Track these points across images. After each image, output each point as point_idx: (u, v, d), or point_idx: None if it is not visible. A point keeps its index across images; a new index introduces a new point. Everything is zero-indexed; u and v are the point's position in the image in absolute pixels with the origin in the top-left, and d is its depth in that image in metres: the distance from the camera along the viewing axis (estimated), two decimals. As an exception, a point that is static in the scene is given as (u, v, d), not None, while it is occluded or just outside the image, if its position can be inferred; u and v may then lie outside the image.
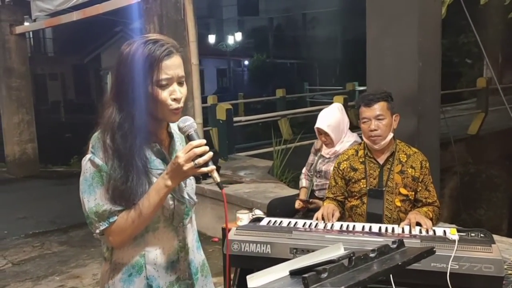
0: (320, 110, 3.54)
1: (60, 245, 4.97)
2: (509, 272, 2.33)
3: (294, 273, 1.37)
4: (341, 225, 2.43)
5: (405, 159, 2.57)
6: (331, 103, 9.06)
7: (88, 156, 1.37)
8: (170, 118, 1.41)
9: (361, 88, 14.61)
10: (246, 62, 27.53)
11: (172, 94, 1.37)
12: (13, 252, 4.81)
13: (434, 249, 1.38)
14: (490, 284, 1.89)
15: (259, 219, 2.63)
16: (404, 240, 1.87)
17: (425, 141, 3.24)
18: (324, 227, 2.40)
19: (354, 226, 2.40)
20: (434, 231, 2.29)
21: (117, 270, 1.43)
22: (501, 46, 14.01)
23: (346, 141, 3.38)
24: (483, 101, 10.04)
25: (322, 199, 3.41)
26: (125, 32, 22.62)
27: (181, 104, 1.40)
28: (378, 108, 2.50)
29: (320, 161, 3.49)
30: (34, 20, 8.26)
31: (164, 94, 1.36)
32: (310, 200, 3.44)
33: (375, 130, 2.49)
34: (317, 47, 28.49)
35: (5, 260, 4.59)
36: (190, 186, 1.53)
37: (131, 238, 1.40)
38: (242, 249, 2.18)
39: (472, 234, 2.19)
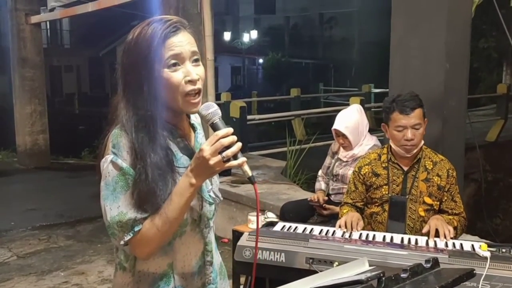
0: (335, 111, 3.40)
1: (66, 239, 4.89)
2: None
3: (314, 292, 1.23)
4: (360, 234, 2.28)
5: (431, 166, 2.41)
6: (346, 104, 8.92)
7: (109, 157, 1.20)
8: (188, 108, 1.23)
9: (377, 90, 14.41)
10: (261, 61, 27.38)
11: (187, 76, 1.20)
12: (19, 245, 4.73)
13: (475, 272, 1.23)
14: (524, 307, 1.73)
15: (272, 224, 2.49)
16: (431, 255, 1.72)
17: (450, 147, 3.08)
18: (343, 236, 2.26)
19: (374, 235, 2.25)
20: (461, 244, 2.13)
21: (143, 282, 1.26)
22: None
23: (365, 144, 3.23)
24: (503, 107, 9.82)
25: (338, 204, 3.27)
26: (141, 26, 22.67)
27: (198, 86, 1.21)
28: (416, 116, 2.32)
29: (337, 164, 3.34)
30: (50, 10, 8.20)
31: (177, 76, 1.19)
32: (325, 205, 3.29)
33: (412, 139, 2.32)
34: (333, 48, 28.27)
35: (10, 253, 4.52)
36: (215, 183, 1.36)
37: (159, 248, 1.23)
38: (255, 257, 2.05)
39: (503, 250, 2.02)
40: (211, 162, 1.15)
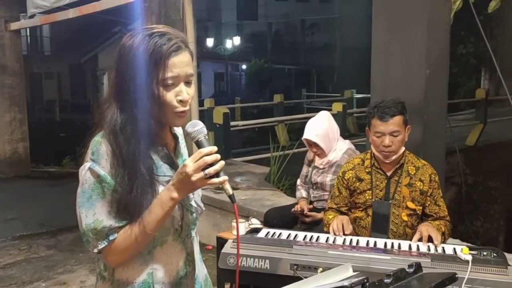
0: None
1: (47, 249, 4.80)
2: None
3: (299, 298, 1.23)
4: (344, 239, 2.29)
5: (414, 171, 2.43)
6: (329, 109, 8.97)
7: (87, 164, 1.20)
8: (174, 122, 1.25)
9: (359, 95, 14.54)
10: (244, 67, 27.43)
11: (179, 95, 1.21)
12: (-1, 255, 4.64)
13: (457, 276, 1.25)
14: (506, 310, 1.76)
15: (256, 230, 2.49)
16: (413, 259, 1.73)
17: (431, 151, 3.11)
18: (327, 241, 2.26)
19: (358, 240, 2.26)
20: (443, 248, 2.16)
21: None
22: (500, 58, 13.97)
23: (339, 149, 3.24)
24: (482, 112, 9.99)
25: (320, 210, 3.28)
26: (124, 32, 22.49)
27: (187, 107, 1.23)
28: (394, 123, 2.34)
29: (314, 172, 3.35)
30: (30, 17, 8.10)
31: (170, 95, 1.20)
32: (306, 213, 3.29)
33: (389, 146, 2.35)
34: (315, 54, 28.50)
35: (-10, 263, 4.42)
36: (197, 192, 1.35)
37: (132, 257, 1.23)
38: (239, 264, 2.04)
39: (484, 253, 2.05)
40: (193, 178, 1.16)
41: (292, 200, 4.13)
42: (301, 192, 3.52)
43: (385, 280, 1.18)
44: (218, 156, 1.18)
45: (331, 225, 2.37)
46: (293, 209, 3.39)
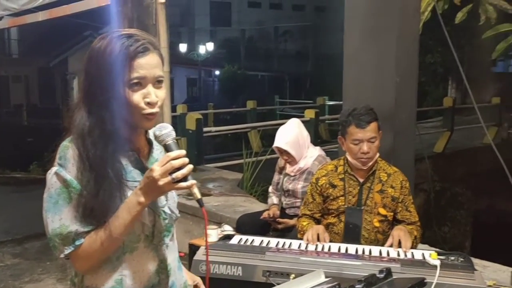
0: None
1: (13, 257, 4.66)
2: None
3: (272, 305, 1.24)
4: (316, 245, 2.30)
5: (386, 178, 2.48)
6: (302, 116, 9.01)
7: (54, 169, 1.19)
8: (143, 124, 1.23)
9: (331, 102, 14.71)
10: (217, 73, 27.42)
11: (146, 97, 1.20)
12: (-38, 264, 4.48)
13: (425, 281, 1.27)
14: (473, 313, 1.80)
15: (229, 237, 2.48)
16: (384, 265, 1.76)
17: (401, 158, 3.17)
18: (299, 248, 2.27)
19: (330, 246, 2.28)
20: (412, 253, 2.20)
21: None
22: (467, 68, 14.40)
23: (310, 156, 3.26)
24: (449, 120, 10.24)
25: (292, 217, 3.29)
26: (94, 36, 22.13)
27: (156, 109, 1.21)
28: (371, 129, 2.38)
29: (286, 179, 3.36)
30: (-2, 19, 7.89)
31: (136, 97, 1.19)
32: (278, 219, 3.30)
33: (368, 152, 2.38)
34: (288, 61, 28.73)
35: (-47, 273, 4.26)
36: (172, 199, 1.35)
37: (99, 263, 1.22)
38: (211, 271, 2.03)
39: (452, 258, 2.11)
40: (160, 182, 1.15)
41: (265, 207, 4.13)
42: (273, 199, 3.54)
43: (356, 286, 1.20)
44: (186, 160, 1.17)
45: (306, 235, 2.37)
46: (262, 216, 3.40)
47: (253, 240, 2.36)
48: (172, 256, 1.35)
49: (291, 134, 3.21)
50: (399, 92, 3.12)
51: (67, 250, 1.19)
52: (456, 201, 9.42)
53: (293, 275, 1.93)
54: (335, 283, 1.16)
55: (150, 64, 1.20)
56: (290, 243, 2.33)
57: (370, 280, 1.23)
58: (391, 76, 3.10)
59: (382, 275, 1.27)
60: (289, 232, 3.20)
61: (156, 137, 1.24)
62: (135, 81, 1.18)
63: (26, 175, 9.15)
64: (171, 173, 1.15)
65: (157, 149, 1.35)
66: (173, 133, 1.22)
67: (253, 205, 4.56)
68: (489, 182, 8.76)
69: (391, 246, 2.25)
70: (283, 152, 3.23)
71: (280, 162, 3.46)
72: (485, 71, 15.29)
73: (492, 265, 3.02)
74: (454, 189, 9.45)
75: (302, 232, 2.47)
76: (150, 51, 1.20)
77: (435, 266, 1.91)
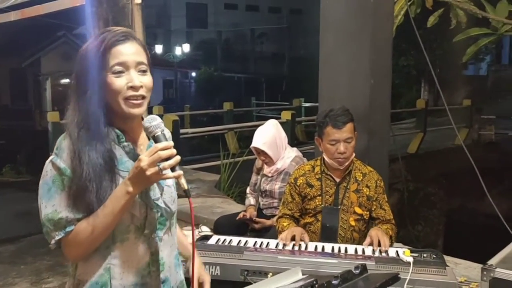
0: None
1: (-14, 261, 4.56)
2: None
3: (251, 302, 1.26)
4: (293, 244, 2.34)
5: (361, 177, 2.53)
6: (278, 118, 9.08)
7: (50, 157, 1.27)
8: (129, 111, 1.27)
9: (308, 104, 14.83)
10: (194, 74, 27.30)
11: (129, 82, 1.25)
12: None
13: (399, 276, 1.32)
14: (444, 308, 1.86)
15: (207, 237, 2.49)
16: (359, 262, 1.80)
17: (375, 158, 3.24)
18: (276, 247, 2.30)
19: (306, 245, 2.32)
20: (386, 251, 2.25)
21: (81, 285, 1.29)
22: (439, 70, 14.73)
23: (287, 157, 3.30)
24: (422, 121, 10.44)
25: (269, 217, 3.32)
26: (68, 37, 21.79)
27: (140, 93, 1.26)
28: (347, 130, 2.43)
29: (263, 180, 3.39)
30: (-33, 18, 7.69)
31: (119, 82, 1.25)
32: (255, 219, 3.33)
33: (344, 152, 2.42)
34: (264, 63, 28.85)
35: None
36: (168, 194, 1.37)
37: (89, 251, 1.26)
38: (190, 271, 2.03)
39: (425, 255, 2.17)
40: (148, 172, 1.19)
41: (242, 208, 4.15)
42: (250, 200, 3.56)
43: (333, 282, 1.23)
44: (173, 151, 1.21)
45: (281, 235, 2.39)
46: (238, 217, 3.41)
47: (231, 240, 2.38)
48: (166, 251, 1.36)
49: (269, 135, 3.23)
50: (373, 94, 3.19)
51: (58, 236, 1.23)
52: (429, 201, 9.62)
53: (270, 274, 1.95)
54: (312, 279, 1.19)
55: (129, 50, 1.26)
56: (268, 242, 2.35)
57: (346, 276, 1.27)
58: (365, 78, 3.16)
59: (357, 271, 1.31)
60: (266, 232, 3.23)
61: (145, 129, 1.28)
62: (117, 67, 1.24)
63: (-2, 178, 8.97)
64: (159, 163, 1.19)
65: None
66: (162, 125, 1.27)
67: (230, 206, 4.58)
68: (460, 182, 8.98)
69: (369, 245, 2.29)
70: (260, 152, 3.26)
71: (258, 163, 3.48)
72: (456, 74, 15.68)
73: (464, 262, 3.11)
74: (427, 189, 9.65)
75: (282, 232, 2.48)
76: (129, 39, 1.27)
77: (409, 263, 1.97)
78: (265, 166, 3.36)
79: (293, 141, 8.42)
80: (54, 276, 4.02)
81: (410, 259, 2.00)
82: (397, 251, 2.22)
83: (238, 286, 1.98)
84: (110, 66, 1.24)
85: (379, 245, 2.25)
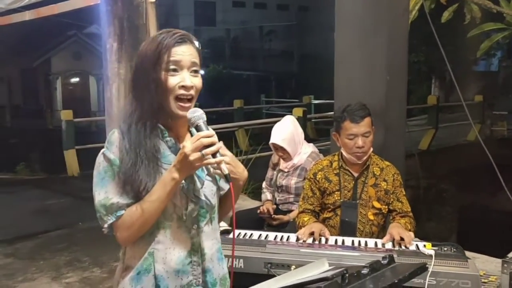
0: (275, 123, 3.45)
1: (5, 257, 4.62)
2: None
3: (282, 291, 1.29)
4: (313, 238, 2.36)
5: (379, 172, 2.56)
6: (290, 115, 9.04)
7: (102, 150, 1.38)
8: (176, 111, 1.35)
9: (317, 101, 14.83)
10: (202, 72, 27.31)
11: (181, 81, 1.34)
12: (-47, 266, 4.43)
13: (427, 266, 1.34)
14: (467, 299, 1.88)
15: (227, 232, 2.53)
16: (381, 255, 1.82)
17: (392, 154, 3.24)
18: (297, 240, 2.33)
19: (326, 239, 2.35)
20: (405, 245, 2.27)
21: (128, 269, 1.40)
22: (451, 66, 14.63)
23: (304, 152, 3.33)
24: (433, 117, 10.41)
25: (285, 212, 3.36)
26: (79, 36, 21.94)
27: (190, 92, 1.35)
28: (365, 124, 2.46)
29: (279, 175, 3.42)
30: (-18, 19, 7.78)
31: (173, 80, 1.33)
32: (273, 216, 3.36)
33: (362, 147, 2.45)
34: (273, 60, 28.81)
35: None
36: (209, 188, 1.44)
37: (139, 235, 1.36)
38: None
39: (445, 249, 2.18)
40: (191, 158, 1.27)
41: (257, 204, 4.18)
42: (266, 195, 3.59)
43: (363, 271, 1.26)
44: (215, 139, 1.29)
45: (300, 230, 2.40)
46: (259, 210, 3.44)
47: (251, 234, 2.41)
48: (209, 242, 1.44)
49: (287, 131, 3.26)
50: (389, 90, 3.20)
51: (110, 220, 1.34)
52: (441, 197, 9.59)
53: (293, 266, 1.99)
54: (343, 268, 1.21)
55: (185, 51, 1.35)
56: (288, 236, 2.39)
57: (375, 266, 1.29)
58: (381, 75, 3.18)
59: (385, 261, 1.33)
60: (283, 228, 3.26)
61: (188, 120, 1.35)
62: (172, 66, 1.33)
63: (13, 176, 9.06)
64: (201, 150, 1.27)
65: None
66: (204, 116, 1.35)
67: (244, 202, 4.62)
68: (473, 178, 8.95)
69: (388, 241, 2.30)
70: (278, 148, 3.28)
71: (274, 158, 3.51)
72: (467, 70, 15.58)
73: (481, 257, 3.13)
74: (440, 186, 9.63)
75: (303, 227, 2.50)
76: (186, 42, 1.36)
77: (430, 256, 1.99)
78: (281, 161, 3.39)
79: (304, 139, 8.42)
80: (74, 271, 4.07)
81: (432, 252, 2.02)
82: (417, 245, 2.24)
83: (261, 278, 2.01)
84: (166, 64, 1.32)
85: (402, 240, 2.25)
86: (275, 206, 3.42)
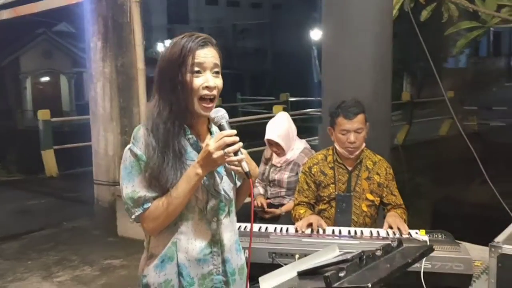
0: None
1: (-9, 258, 4.58)
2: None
3: (302, 274, 1.39)
4: (311, 229, 2.46)
5: (372, 166, 2.67)
6: (263, 113, 9.13)
7: (128, 146, 1.45)
8: (199, 111, 1.43)
9: (294, 98, 14.98)
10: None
11: (205, 82, 1.42)
12: None
13: (434, 248, 1.46)
14: (460, 282, 2.01)
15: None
16: (379, 242, 1.94)
17: (377, 148, 3.36)
18: (296, 231, 2.42)
19: (324, 230, 2.45)
20: (400, 233, 2.39)
21: (153, 257, 1.48)
22: (423, 64, 15.03)
23: (296, 148, 3.43)
24: (408, 113, 10.72)
25: (277, 206, 3.45)
26: (48, 34, 21.49)
27: (213, 93, 1.43)
28: (358, 121, 2.56)
29: (272, 170, 3.51)
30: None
31: (197, 81, 1.41)
32: (267, 209, 3.44)
33: (354, 142, 2.56)
34: (247, 58, 28.89)
35: None
36: (227, 182, 1.53)
37: (164, 226, 1.43)
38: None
39: (437, 235, 2.31)
40: (215, 155, 1.35)
41: (248, 198, 4.24)
42: (259, 189, 3.67)
43: (377, 253, 1.36)
44: (237, 138, 1.38)
45: (298, 223, 2.49)
46: (252, 204, 3.50)
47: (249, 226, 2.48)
48: (227, 234, 1.54)
49: (283, 127, 3.36)
50: (376, 87, 3.30)
51: (137, 212, 1.42)
52: (416, 191, 9.87)
53: (297, 255, 2.08)
54: (360, 250, 1.31)
55: (208, 54, 1.43)
56: (287, 228, 2.47)
57: (387, 248, 1.40)
58: (369, 71, 3.28)
59: (395, 245, 1.44)
60: (275, 222, 3.34)
61: (211, 120, 1.44)
62: (196, 68, 1.41)
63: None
64: (223, 148, 1.36)
65: None
66: (226, 116, 1.43)
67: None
68: (446, 172, 9.25)
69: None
70: (273, 144, 3.37)
71: (267, 153, 3.60)
72: (438, 67, 15.99)
73: (464, 244, 3.27)
74: (415, 179, 9.91)
75: (299, 220, 2.60)
76: (208, 45, 1.44)
77: (425, 241, 2.12)
78: (274, 156, 3.47)
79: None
80: (64, 270, 4.08)
81: (426, 238, 2.15)
82: (409, 233, 2.37)
83: (266, 268, 2.09)
84: (190, 66, 1.41)
85: (398, 230, 2.38)
86: (269, 201, 3.50)
